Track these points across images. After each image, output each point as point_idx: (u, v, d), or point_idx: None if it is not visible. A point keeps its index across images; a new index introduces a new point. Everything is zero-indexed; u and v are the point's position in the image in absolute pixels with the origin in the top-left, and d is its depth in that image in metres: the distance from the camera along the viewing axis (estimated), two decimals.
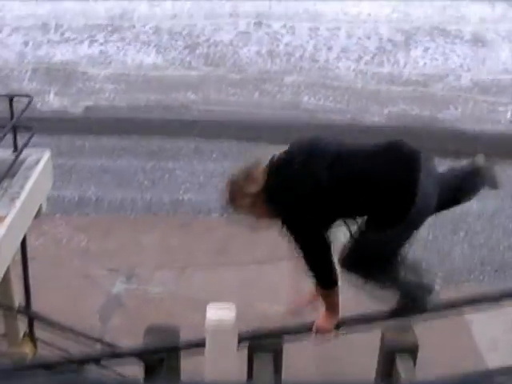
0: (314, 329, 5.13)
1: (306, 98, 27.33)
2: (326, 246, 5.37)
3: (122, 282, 16.22)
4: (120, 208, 19.94)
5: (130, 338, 13.46)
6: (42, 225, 17.56)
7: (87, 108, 26.55)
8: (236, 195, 5.23)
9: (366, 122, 25.58)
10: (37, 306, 13.86)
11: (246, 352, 6.69)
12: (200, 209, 19.93)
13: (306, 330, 5.25)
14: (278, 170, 5.20)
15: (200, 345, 3.85)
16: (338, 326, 5.25)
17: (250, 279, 15.92)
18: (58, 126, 24.94)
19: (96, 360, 8.40)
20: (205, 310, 15.75)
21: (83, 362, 7.74)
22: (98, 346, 12.72)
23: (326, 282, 5.37)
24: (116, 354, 8.22)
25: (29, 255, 16.43)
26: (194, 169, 22.41)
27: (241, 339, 3.80)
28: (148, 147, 23.71)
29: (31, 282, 15.06)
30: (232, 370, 3.74)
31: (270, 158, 5.25)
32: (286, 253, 17.02)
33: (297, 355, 9.11)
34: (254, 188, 5.06)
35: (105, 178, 21.85)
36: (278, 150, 21.53)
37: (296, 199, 5.21)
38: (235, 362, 3.72)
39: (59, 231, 18.23)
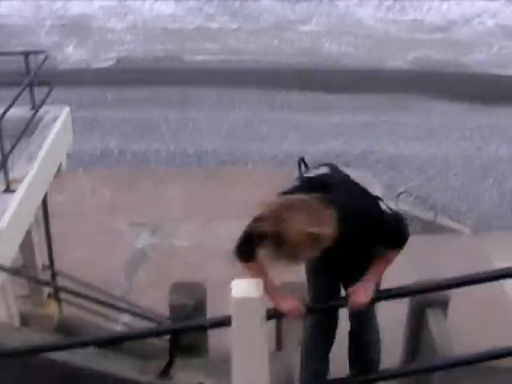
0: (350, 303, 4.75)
1: (326, 45, 27.05)
2: None
3: (146, 236, 16.05)
4: (143, 160, 19.76)
5: (156, 294, 13.32)
6: (65, 180, 17.40)
7: (107, 60, 26.37)
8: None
9: (388, 67, 25.30)
10: (61, 262, 13.76)
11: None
12: (225, 159, 19.70)
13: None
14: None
15: (226, 323, 3.60)
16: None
17: None
18: (78, 79, 24.77)
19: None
20: (228, 263, 15.70)
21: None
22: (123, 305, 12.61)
23: None
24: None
25: (52, 212, 16.35)
26: (217, 119, 22.16)
27: (269, 315, 3.55)
28: (170, 98, 23.48)
29: (56, 239, 14.97)
30: (259, 346, 3.51)
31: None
32: None
33: None
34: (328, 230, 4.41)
35: (127, 130, 21.66)
36: (300, 95, 21.16)
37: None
38: (263, 338, 3.48)
39: (82, 186, 18.06)
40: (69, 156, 18.93)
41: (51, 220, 15.73)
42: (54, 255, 11.51)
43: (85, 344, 4.43)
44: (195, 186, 18.08)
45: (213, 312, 11.37)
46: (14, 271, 6.31)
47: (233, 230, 15.49)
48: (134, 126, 21.78)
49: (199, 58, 26.09)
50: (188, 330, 5.45)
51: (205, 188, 17.96)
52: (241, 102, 22.83)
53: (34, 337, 5.78)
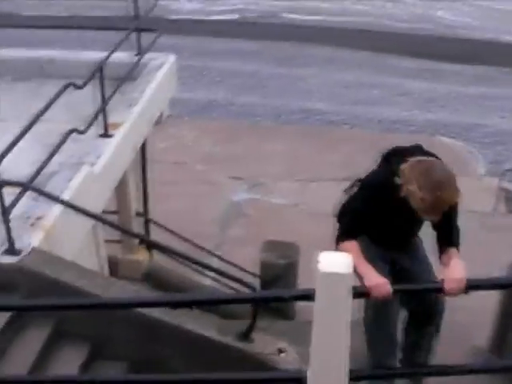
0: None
1: (439, 13, 26.41)
2: None
3: (244, 191, 15.97)
4: (249, 114, 19.64)
5: (248, 249, 13.27)
6: (169, 128, 17.45)
7: (221, 13, 26.34)
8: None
9: (504, 41, 24.53)
10: (156, 209, 13.83)
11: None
12: (331, 120, 19.43)
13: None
14: None
15: (308, 297, 3.41)
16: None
17: None
18: (191, 28, 24.80)
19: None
20: (325, 225, 15.59)
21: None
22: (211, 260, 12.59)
23: None
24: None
25: (153, 158, 16.41)
26: (327, 78, 21.86)
27: (356, 294, 3.33)
28: (281, 53, 23.27)
29: (153, 185, 15.04)
30: (343, 324, 3.30)
31: None
32: None
33: None
34: None
35: (235, 82, 21.57)
36: (411, 61, 20.60)
37: None
38: (347, 317, 3.27)
39: (185, 135, 18.10)
40: (175, 103, 19.06)
41: (151, 166, 15.84)
42: (150, 202, 11.54)
43: (164, 303, 4.32)
44: (298, 144, 17.90)
45: (304, 274, 11.29)
46: (100, 219, 6.23)
47: (332, 192, 15.34)
48: (242, 79, 21.67)
49: (315, 17, 25.80)
50: (268, 301, 5.27)
51: (308, 147, 17.75)
52: (352, 64, 22.47)
53: (121, 287, 5.71)
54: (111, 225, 6.60)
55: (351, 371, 3.54)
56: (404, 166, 4.97)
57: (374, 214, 5.20)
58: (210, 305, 5.17)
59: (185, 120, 18.90)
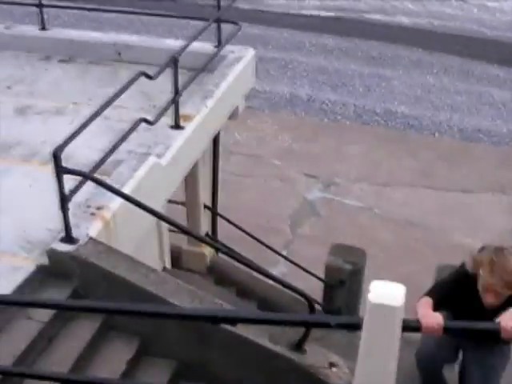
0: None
1: None
2: None
3: (319, 190, 15.79)
4: (330, 112, 19.41)
5: (316, 249, 13.10)
6: (248, 120, 17.35)
7: (311, 8, 26.12)
8: None
9: None
10: (229, 200, 13.74)
11: None
12: (412, 124, 19.08)
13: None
14: None
15: (356, 326, 3.22)
16: None
17: (450, 206, 15.05)
18: (280, 21, 24.66)
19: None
20: (398, 231, 15.38)
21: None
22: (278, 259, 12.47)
23: None
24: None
25: (229, 149, 16.36)
26: (412, 81, 21.47)
27: (405, 327, 3.09)
28: (368, 52, 22.96)
29: (227, 177, 14.97)
30: (390, 357, 3.10)
31: None
32: (492, 186, 16.15)
33: None
34: None
35: (320, 78, 21.34)
36: (500, 70, 20.03)
37: None
38: (394, 350, 3.06)
39: (264, 128, 17.98)
40: (256, 96, 18.94)
41: (227, 158, 15.78)
42: (222, 194, 11.45)
43: (206, 318, 4.17)
44: (377, 146, 17.64)
45: (370, 280, 11.10)
46: (159, 215, 6.12)
47: (408, 199, 15.10)
48: (326, 76, 21.44)
49: (401, 18, 25.42)
50: (313, 326, 5.09)
51: (387, 150, 17.48)
52: (439, 68, 22.03)
53: (175, 285, 5.60)
54: (170, 222, 6.46)
55: None
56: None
57: (450, 296, 5.52)
58: (256, 323, 5.01)
59: (265, 113, 18.79)
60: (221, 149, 10.68)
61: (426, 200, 15.27)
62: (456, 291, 5.50)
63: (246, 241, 11.04)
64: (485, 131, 18.65)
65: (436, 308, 4.98)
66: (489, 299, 5.27)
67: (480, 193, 15.48)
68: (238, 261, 6.37)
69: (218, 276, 10.28)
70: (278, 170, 16.30)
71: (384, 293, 3.19)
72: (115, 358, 5.57)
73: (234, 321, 3.68)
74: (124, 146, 6.53)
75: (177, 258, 9.90)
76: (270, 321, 4.33)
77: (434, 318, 4.23)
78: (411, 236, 14.06)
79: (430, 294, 5.44)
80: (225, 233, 11.10)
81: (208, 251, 10.11)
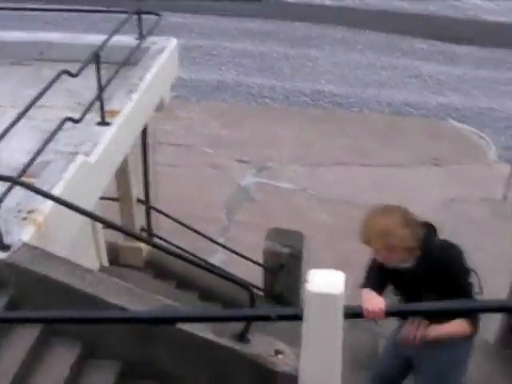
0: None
1: None
2: None
3: (252, 175, 15.77)
4: (258, 95, 19.39)
5: (254, 235, 13.09)
6: (176, 109, 17.23)
7: None
8: (412, 235, 4.89)
9: None
10: (162, 191, 13.62)
11: None
12: (341, 102, 19.17)
13: None
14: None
15: (297, 317, 3.18)
16: None
17: (384, 182, 15.15)
18: (203, 7, 24.51)
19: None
20: (334, 211, 15.45)
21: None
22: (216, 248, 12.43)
23: None
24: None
25: (159, 140, 16.19)
26: (338, 59, 21.57)
27: (347, 314, 3.03)
28: (292, 33, 22.99)
29: (159, 168, 14.82)
30: (333, 345, 3.06)
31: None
32: (424, 159, 16.32)
33: None
34: (414, 244, 4.91)
35: (246, 63, 21.30)
36: (424, 43, 20.26)
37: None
38: (337, 338, 3.03)
39: (193, 117, 17.88)
40: (183, 85, 18.81)
41: (157, 149, 15.62)
42: (155, 186, 11.36)
43: (146, 320, 4.11)
44: (307, 127, 17.68)
45: (309, 261, 11.11)
46: (91, 215, 6.02)
47: (341, 177, 15.20)
48: (252, 60, 21.42)
49: None
50: (254, 320, 5.05)
51: (317, 130, 17.53)
52: (364, 45, 22.19)
53: (112, 284, 5.51)
54: (103, 222, 6.37)
55: None
56: None
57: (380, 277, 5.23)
58: (196, 321, 4.96)
59: (193, 102, 18.69)
60: (150, 141, 10.59)
61: (360, 177, 15.35)
62: (380, 270, 5.15)
63: (183, 231, 10.96)
64: (413, 104, 18.84)
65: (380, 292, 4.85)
66: (382, 260, 4.98)
67: (413, 167, 15.64)
68: (175, 255, 6.29)
69: (156, 270, 10.19)
70: (209, 158, 16.23)
71: (323, 281, 3.15)
72: (58, 363, 5.47)
73: (173, 321, 3.62)
74: (51, 146, 6.42)
75: (114, 254, 9.80)
76: (210, 318, 4.29)
77: (376, 303, 4.14)
78: (347, 214, 14.10)
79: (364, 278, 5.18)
80: (161, 225, 11.02)
81: (144, 245, 10.02)
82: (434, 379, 5.54)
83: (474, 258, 12.64)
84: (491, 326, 9.89)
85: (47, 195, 5.70)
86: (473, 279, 5.11)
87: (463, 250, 5.14)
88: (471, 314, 4.78)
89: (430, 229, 5.11)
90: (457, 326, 4.74)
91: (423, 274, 4.86)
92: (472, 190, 15.19)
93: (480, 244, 13.22)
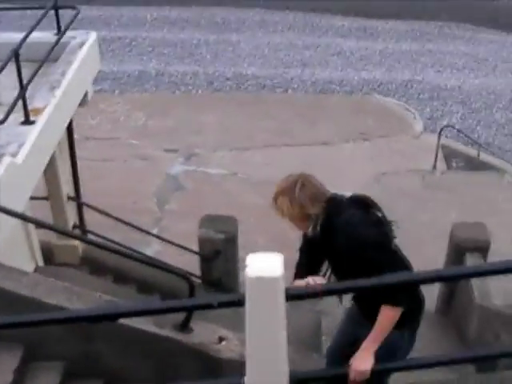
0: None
1: None
2: None
3: (180, 164, 15.75)
4: (181, 83, 19.34)
5: (188, 223, 13.07)
6: (100, 103, 17.08)
7: None
8: (292, 202, 4.84)
9: None
10: (92, 186, 13.50)
11: None
12: (265, 84, 19.22)
13: None
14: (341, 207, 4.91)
15: (238, 303, 3.17)
16: None
17: (312, 161, 15.24)
18: None
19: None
20: (264, 193, 15.41)
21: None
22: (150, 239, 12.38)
23: None
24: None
25: (85, 134, 16.05)
26: (258, 41, 21.63)
27: (289, 296, 3.04)
28: (211, 19, 22.95)
29: (87, 163, 14.69)
30: (276, 329, 3.08)
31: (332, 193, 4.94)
32: (351, 135, 16.47)
33: None
34: (314, 210, 4.85)
35: (166, 51, 21.22)
36: (344, 20, 20.50)
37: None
38: (281, 321, 3.04)
39: (117, 109, 17.75)
40: (104, 78, 18.65)
41: (84, 144, 15.47)
42: (85, 181, 11.25)
43: (83, 319, 4.07)
44: (232, 112, 17.70)
45: (244, 245, 11.14)
46: (22, 217, 5.94)
47: (269, 160, 15.26)
48: (172, 48, 21.34)
49: None
50: (196, 309, 5.02)
51: (242, 115, 17.57)
52: (284, 25, 22.27)
53: (49, 284, 5.44)
54: (35, 222, 6.30)
55: (291, 374, 3.36)
56: None
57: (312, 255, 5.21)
58: (138, 315, 4.91)
59: (116, 94, 18.55)
60: (76, 136, 10.46)
61: (288, 158, 15.42)
62: (311, 247, 5.12)
63: (116, 225, 10.88)
64: (337, 81, 19.00)
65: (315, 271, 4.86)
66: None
67: (341, 143, 15.76)
68: (110, 250, 6.24)
69: (93, 266, 10.09)
70: (136, 150, 16.15)
71: (262, 265, 3.14)
72: (1, 369, 5.39)
73: (114, 317, 3.60)
74: None
75: (48, 253, 9.67)
76: (151, 311, 4.26)
77: (315, 281, 4.15)
78: None
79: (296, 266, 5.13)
80: (94, 220, 10.91)
81: (78, 242, 9.90)
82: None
83: (408, 229, 12.91)
84: (432, 295, 10.10)
85: None
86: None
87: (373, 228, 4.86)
88: (394, 293, 4.54)
89: (358, 204, 5.01)
90: (385, 318, 4.62)
91: (333, 248, 4.80)
92: (401, 162, 15.42)
93: (413, 215, 13.44)
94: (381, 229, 4.91)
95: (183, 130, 16.83)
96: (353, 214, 4.91)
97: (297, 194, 4.81)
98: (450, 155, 15.87)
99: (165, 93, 18.83)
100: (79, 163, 10.21)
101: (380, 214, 5.06)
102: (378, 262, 4.58)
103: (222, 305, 3.46)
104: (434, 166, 15.24)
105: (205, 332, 5.48)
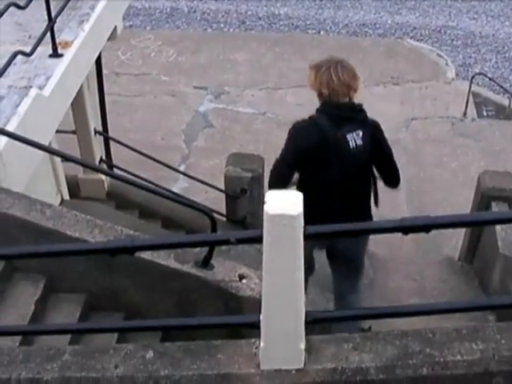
0: None
1: None
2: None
3: (209, 101, 15.69)
4: (213, 21, 19.18)
5: (214, 161, 13.10)
6: (131, 39, 17.02)
7: None
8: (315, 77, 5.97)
9: None
10: (120, 121, 13.52)
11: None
12: (297, 25, 19.01)
13: None
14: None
15: (256, 240, 3.17)
16: None
17: None
18: None
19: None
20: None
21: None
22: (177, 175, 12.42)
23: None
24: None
25: (115, 70, 16.03)
26: None
27: (307, 235, 3.03)
28: None
29: (117, 98, 14.70)
30: (294, 268, 3.08)
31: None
32: (382, 78, 16.27)
33: None
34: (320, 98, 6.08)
35: None
36: None
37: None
38: (299, 260, 3.03)
39: (148, 45, 17.66)
40: (136, 13, 18.55)
41: (114, 79, 15.46)
42: (114, 116, 11.27)
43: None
44: (264, 51, 17.57)
45: None
46: (47, 149, 5.97)
47: (300, 100, 15.16)
48: None
49: None
50: (214, 244, 5.03)
51: (274, 54, 17.44)
52: None
53: (72, 217, 5.47)
54: (61, 155, 6.33)
55: (307, 314, 3.37)
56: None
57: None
58: (156, 249, 4.94)
59: (147, 30, 18.45)
60: (106, 71, 10.45)
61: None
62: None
63: (143, 161, 10.92)
64: (370, 24, 18.75)
65: None
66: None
67: (371, 86, 15.60)
68: (135, 185, 6.26)
69: (118, 200, 10.16)
70: (166, 86, 16.10)
71: (281, 202, 3.13)
72: (23, 300, 5.45)
73: (132, 250, 3.61)
74: (3, 82, 6.32)
75: (74, 187, 9.74)
76: (171, 245, 4.27)
77: None
78: None
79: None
80: (121, 155, 10.95)
81: (104, 177, 9.95)
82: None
83: (437, 176, 12.83)
84: (455, 243, 10.08)
85: (1, 131, 5.62)
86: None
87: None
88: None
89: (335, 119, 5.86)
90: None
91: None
92: (431, 108, 15.26)
93: (442, 161, 13.35)
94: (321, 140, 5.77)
95: (214, 67, 16.75)
96: (309, 120, 6.00)
97: (320, 74, 5.79)
98: (480, 103, 15.67)
99: (196, 30, 18.70)
100: (108, 98, 10.22)
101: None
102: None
103: (239, 241, 3.46)
104: (465, 114, 15.06)
105: (225, 269, 5.49)
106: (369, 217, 6.25)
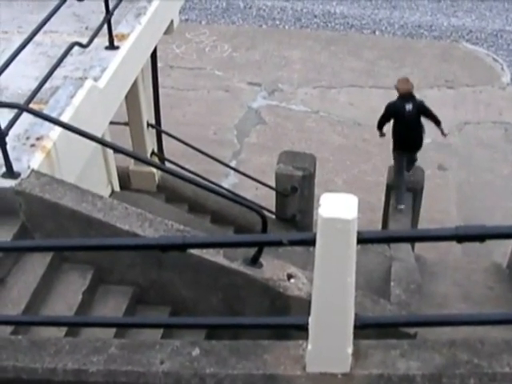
0: None
1: None
2: None
3: (263, 98, 15.66)
4: (268, 17, 19.12)
5: (266, 157, 13.08)
6: (186, 32, 17.06)
7: None
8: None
9: None
10: (173, 115, 13.54)
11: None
12: (353, 24, 18.88)
13: None
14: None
15: (309, 242, 3.11)
16: None
17: None
18: None
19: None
20: (346, 133, 15.36)
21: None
22: (228, 171, 12.41)
23: None
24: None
25: (169, 63, 16.08)
26: None
27: (361, 240, 2.96)
28: None
29: (170, 92, 14.74)
30: (346, 273, 3.02)
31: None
32: (436, 81, 16.11)
33: None
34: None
35: None
36: None
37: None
38: (350, 264, 2.97)
39: (203, 40, 17.67)
40: (192, 7, 18.58)
41: (168, 72, 15.51)
42: (167, 109, 11.25)
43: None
44: (319, 49, 17.50)
45: (321, 183, 11.09)
46: (99, 141, 5.98)
47: (353, 100, 15.10)
48: None
49: None
50: (265, 245, 5.00)
51: (328, 53, 17.35)
52: None
53: (123, 210, 5.47)
54: (113, 147, 6.33)
55: (356, 319, 3.31)
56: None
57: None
58: (208, 247, 4.91)
59: (202, 25, 18.45)
60: (161, 64, 10.45)
61: (372, 99, 15.23)
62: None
63: (194, 155, 10.94)
64: (425, 26, 18.55)
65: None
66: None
67: (425, 88, 15.46)
68: (186, 180, 6.24)
69: (168, 194, 10.18)
70: (220, 81, 16.11)
71: (336, 206, 3.07)
72: (71, 290, 5.48)
73: (184, 247, 3.58)
74: (59, 72, 6.34)
75: (125, 179, 9.77)
76: (222, 244, 4.24)
77: None
78: (359, 137, 14.06)
79: None
80: (172, 149, 10.97)
81: (155, 170, 9.97)
82: None
83: (488, 181, 12.66)
84: (504, 250, 9.93)
85: (56, 122, 5.64)
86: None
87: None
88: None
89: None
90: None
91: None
92: (485, 112, 15.08)
93: (492, 166, 13.17)
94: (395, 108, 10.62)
95: (268, 64, 16.72)
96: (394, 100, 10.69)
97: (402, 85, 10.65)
98: None
99: (251, 26, 18.65)
100: (161, 91, 10.24)
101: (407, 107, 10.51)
102: None
103: (292, 243, 3.41)
104: None
105: (274, 268, 5.46)
106: (422, 143, 10.88)
